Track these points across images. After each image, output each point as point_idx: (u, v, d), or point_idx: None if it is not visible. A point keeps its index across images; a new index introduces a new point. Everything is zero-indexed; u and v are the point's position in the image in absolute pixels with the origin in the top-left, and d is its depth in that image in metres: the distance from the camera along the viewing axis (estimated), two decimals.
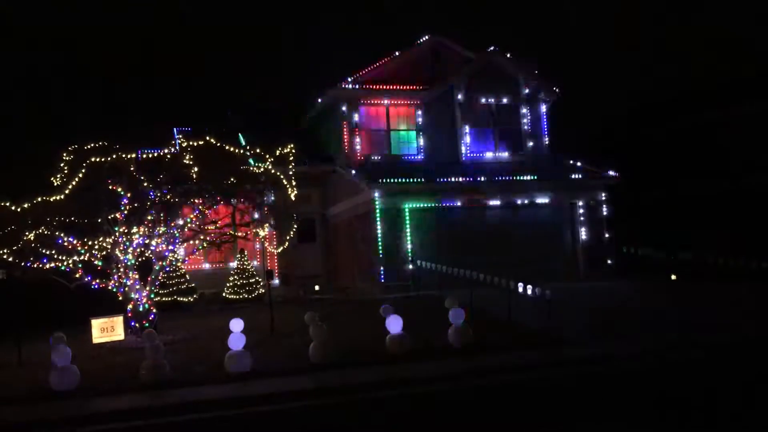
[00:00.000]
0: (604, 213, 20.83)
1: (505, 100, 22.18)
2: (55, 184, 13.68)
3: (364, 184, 18.63)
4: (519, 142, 22.21)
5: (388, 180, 18.60)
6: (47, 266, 13.29)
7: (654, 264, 19.38)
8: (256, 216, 15.47)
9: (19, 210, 12.66)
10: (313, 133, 23.90)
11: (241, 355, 9.82)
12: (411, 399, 8.61)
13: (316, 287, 20.54)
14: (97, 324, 13.14)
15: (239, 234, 15.43)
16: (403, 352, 10.43)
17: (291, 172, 15.58)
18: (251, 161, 15.02)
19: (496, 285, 13.73)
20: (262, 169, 14.72)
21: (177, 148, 13.66)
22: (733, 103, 24.71)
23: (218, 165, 13.95)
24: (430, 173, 19.56)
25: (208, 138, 14.02)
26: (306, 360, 10.16)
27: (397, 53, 22.32)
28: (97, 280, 13.69)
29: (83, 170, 13.21)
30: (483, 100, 21.97)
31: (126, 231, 13.72)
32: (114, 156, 13.33)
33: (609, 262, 20.59)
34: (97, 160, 13.26)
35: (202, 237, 15.00)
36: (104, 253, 13.88)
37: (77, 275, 13.57)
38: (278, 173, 15.10)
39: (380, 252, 18.59)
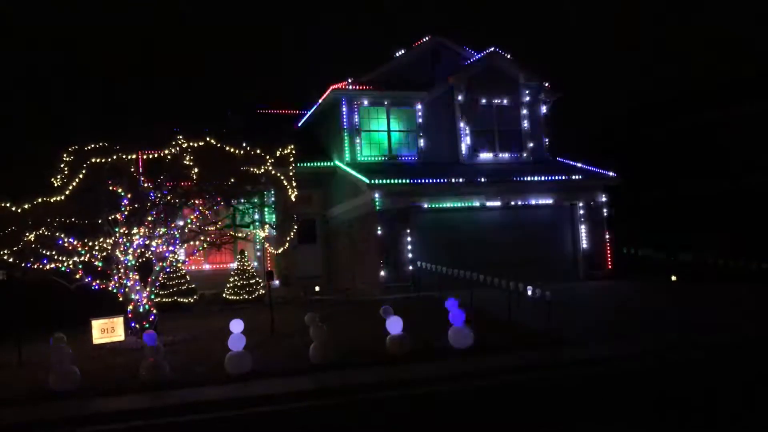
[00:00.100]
0: (604, 213, 20.84)
1: (505, 101, 22.19)
2: (56, 184, 13.69)
3: (365, 185, 18.63)
4: (519, 142, 22.22)
5: (388, 181, 18.60)
6: (47, 267, 13.29)
7: (654, 264, 19.38)
8: (257, 217, 15.48)
9: (19, 211, 12.66)
10: (314, 133, 23.90)
11: (242, 355, 9.82)
12: (411, 400, 8.62)
13: (317, 288, 20.54)
14: (97, 325, 13.14)
15: (239, 235, 15.43)
16: (403, 353, 10.43)
17: (291, 173, 15.58)
18: (251, 162, 15.02)
19: (496, 286, 13.73)
20: (262, 170, 14.72)
21: (177, 148, 13.66)
22: (733, 103, 24.72)
23: (218, 166, 13.95)
24: (431, 174, 19.56)
25: (208, 139, 14.03)
26: (306, 361, 10.17)
27: (397, 54, 22.32)
28: (98, 281, 13.70)
29: (83, 171, 13.21)
30: (483, 101, 21.97)
31: (126, 232, 13.72)
32: (114, 157, 13.33)
33: (609, 262, 20.59)
34: (98, 160, 13.27)
35: (202, 238, 15.00)
36: (104, 253, 13.88)
37: (77, 276, 13.57)
38: (278, 174, 15.11)
39: (380, 253, 18.59)
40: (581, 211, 20.63)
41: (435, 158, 21.52)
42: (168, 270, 16.76)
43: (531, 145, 22.21)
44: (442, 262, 16.79)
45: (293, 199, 15.53)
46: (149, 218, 13.89)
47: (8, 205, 12.65)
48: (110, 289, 13.83)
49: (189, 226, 14.54)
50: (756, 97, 23.85)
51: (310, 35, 68.68)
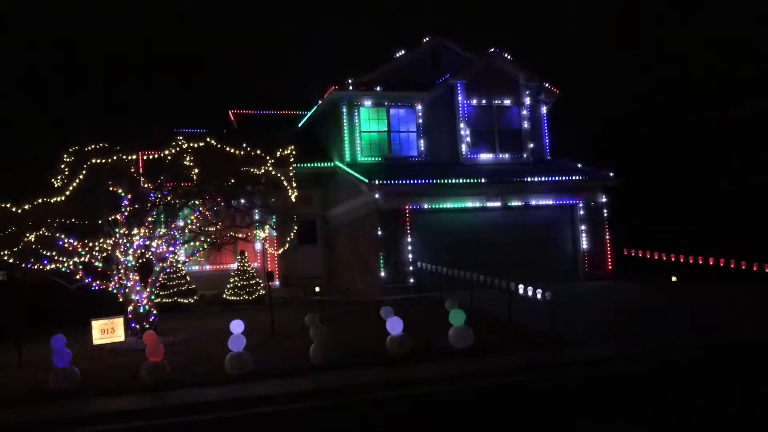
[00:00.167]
0: (604, 214, 20.84)
1: (505, 101, 22.20)
2: (56, 185, 13.70)
3: (365, 186, 18.63)
4: (519, 142, 22.22)
5: (388, 181, 18.60)
6: (48, 267, 13.30)
7: (654, 265, 19.35)
8: (257, 217, 15.48)
9: (19, 211, 12.68)
10: (314, 134, 23.91)
11: (242, 356, 9.82)
12: (411, 400, 8.62)
13: (317, 289, 20.54)
14: (97, 325, 13.14)
15: (240, 235, 15.44)
16: (403, 354, 10.43)
17: (291, 174, 15.59)
18: (251, 163, 15.03)
19: (496, 286, 13.73)
20: (262, 171, 14.72)
21: (177, 149, 13.66)
22: (733, 103, 24.71)
23: (218, 166, 13.97)
24: (431, 174, 19.56)
25: (208, 139, 14.04)
26: (306, 361, 10.16)
27: (397, 54, 22.33)
28: (98, 282, 13.71)
29: (84, 171, 13.22)
30: (483, 101, 21.98)
31: (126, 232, 13.73)
32: (115, 157, 13.34)
33: (609, 263, 20.59)
34: (98, 161, 13.28)
35: (202, 238, 15.01)
36: (105, 254, 13.89)
37: (78, 276, 13.58)
38: (279, 175, 15.11)
39: (381, 253, 18.59)
40: (581, 212, 20.64)
41: (435, 159, 21.53)
42: (168, 270, 16.76)
43: (531, 145, 22.21)
44: (442, 263, 16.79)
45: (293, 200, 15.54)
46: (149, 219, 13.90)
47: (8, 205, 12.66)
48: (110, 289, 13.84)
49: (189, 226, 14.54)
50: (756, 97, 23.85)
51: (310, 35, 68.71)
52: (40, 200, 12.88)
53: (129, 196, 13.70)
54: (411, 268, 18.49)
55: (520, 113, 22.27)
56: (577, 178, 20.81)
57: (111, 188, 13.62)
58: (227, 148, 14.19)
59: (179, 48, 56.94)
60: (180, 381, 9.48)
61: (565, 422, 7.58)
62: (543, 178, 20.17)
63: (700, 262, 17.84)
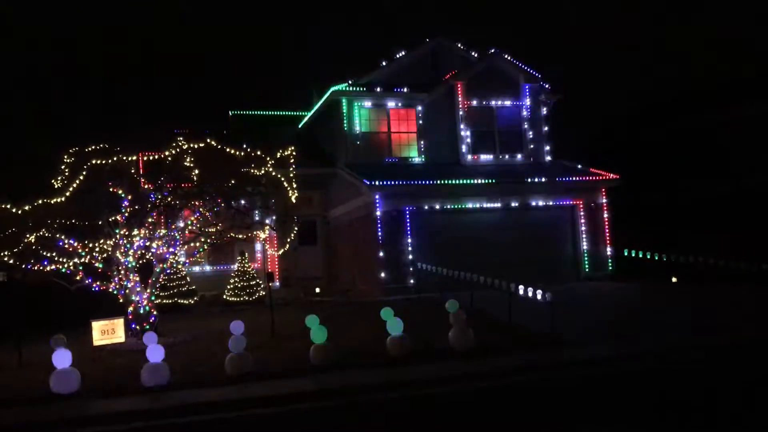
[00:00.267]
0: (605, 214, 20.85)
1: (505, 102, 22.20)
2: (56, 186, 13.70)
3: (365, 187, 18.63)
4: (520, 143, 22.22)
5: (388, 182, 18.60)
6: (48, 268, 13.31)
7: (654, 266, 19.35)
8: (257, 218, 15.48)
9: (19, 212, 12.68)
10: (314, 134, 23.92)
11: (242, 357, 9.82)
12: (411, 401, 8.62)
13: (317, 289, 20.54)
14: (97, 326, 13.14)
15: (240, 236, 15.45)
16: (403, 355, 10.43)
17: (292, 175, 15.60)
18: (251, 163, 15.03)
19: (496, 287, 13.73)
20: (262, 172, 14.73)
21: (177, 150, 13.67)
22: (733, 104, 24.70)
23: (219, 167, 13.97)
24: (431, 175, 19.57)
25: (208, 140, 14.04)
26: (307, 362, 10.17)
27: (397, 55, 22.33)
28: (98, 283, 13.71)
29: (84, 172, 13.22)
30: (484, 102, 21.98)
31: (127, 233, 13.73)
32: (115, 158, 13.35)
33: (609, 263, 20.60)
34: (98, 162, 13.28)
35: (202, 239, 15.01)
36: (105, 255, 13.90)
37: (78, 277, 13.58)
38: (279, 175, 15.12)
39: (381, 254, 18.59)
40: (581, 212, 20.64)
41: (435, 159, 21.53)
42: (168, 271, 16.77)
43: (531, 146, 22.22)
44: (443, 264, 16.79)
45: (293, 201, 15.54)
46: (150, 219, 13.90)
47: (9, 206, 12.66)
48: (110, 290, 13.84)
49: (189, 227, 14.54)
50: (756, 98, 23.83)
51: (310, 35, 68.72)
52: (40, 201, 12.88)
53: (129, 197, 13.71)
54: (411, 268, 18.49)
55: (521, 114, 22.27)
56: (577, 178, 20.81)
57: (111, 189, 13.63)
58: (227, 149, 14.20)
59: (179, 48, 56.97)
60: (180, 382, 9.48)
61: (566, 423, 7.57)
62: (543, 179, 20.17)
63: (701, 263, 17.83)
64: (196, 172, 13.60)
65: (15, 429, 8.01)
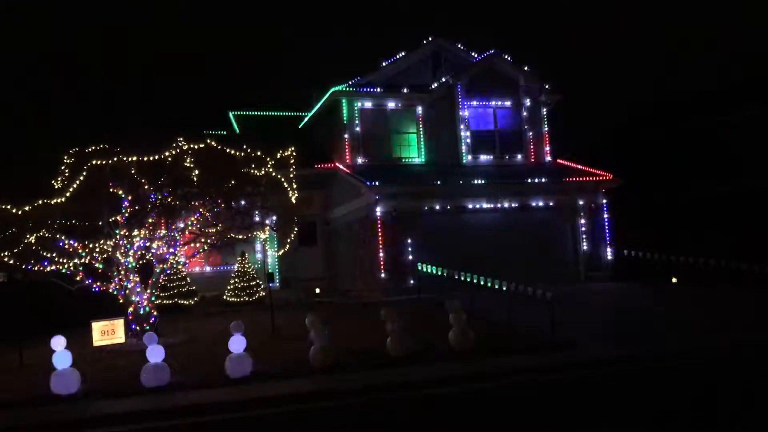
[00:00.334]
0: (605, 216, 20.85)
1: (506, 103, 22.21)
2: (56, 186, 13.69)
3: (365, 188, 18.63)
4: (520, 144, 22.23)
5: (389, 183, 18.59)
6: (48, 269, 13.30)
7: (654, 266, 19.34)
8: (257, 219, 15.47)
9: (20, 212, 12.67)
10: (314, 135, 23.92)
11: (242, 357, 9.82)
12: (412, 402, 8.62)
13: (317, 290, 20.52)
14: (97, 327, 13.14)
15: (240, 237, 15.44)
16: (403, 356, 10.42)
17: (292, 175, 15.58)
18: (251, 164, 15.03)
19: (497, 288, 13.73)
20: (263, 172, 14.72)
21: (178, 150, 13.66)
22: (734, 105, 24.71)
23: (219, 168, 13.96)
24: (431, 176, 19.57)
25: (208, 141, 14.04)
26: (307, 363, 10.16)
27: (398, 55, 22.34)
28: (98, 283, 13.70)
29: (84, 173, 13.21)
30: (484, 103, 22.00)
31: (127, 234, 13.73)
32: (115, 159, 13.34)
33: (610, 265, 20.59)
34: (98, 162, 13.27)
35: (203, 240, 15.00)
36: (105, 255, 13.89)
37: (78, 278, 13.58)
38: (279, 176, 15.11)
39: (381, 255, 18.58)
40: (582, 213, 20.63)
41: (436, 160, 21.53)
42: (168, 272, 16.76)
43: (531, 146, 22.22)
44: (443, 264, 16.77)
45: (294, 201, 15.53)
46: (150, 220, 13.89)
47: (9, 207, 12.65)
48: (111, 291, 13.83)
49: (189, 228, 14.53)
50: (756, 100, 23.83)
51: (310, 35, 68.76)
52: (40, 201, 12.87)
53: (129, 198, 13.70)
54: (411, 269, 18.48)
55: (521, 115, 22.28)
56: (578, 179, 20.82)
57: (111, 190, 13.61)
58: (227, 150, 14.19)
59: (179, 48, 57.00)
60: (180, 383, 9.47)
61: (566, 424, 7.58)
62: (543, 180, 20.17)
63: (701, 265, 17.82)
64: (197, 172, 13.59)
65: (15, 430, 8.00)
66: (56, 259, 13.35)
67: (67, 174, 13.66)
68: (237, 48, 60.34)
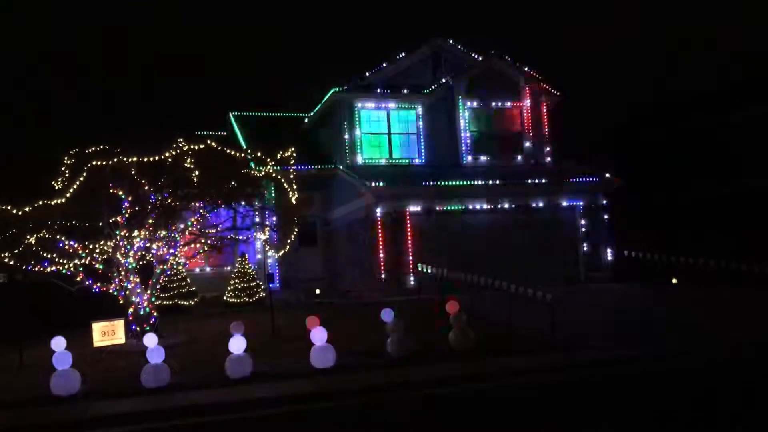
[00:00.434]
0: (605, 216, 20.84)
1: (506, 103, 22.21)
2: (56, 187, 13.69)
3: (365, 188, 18.63)
4: (520, 145, 22.23)
5: (388, 184, 18.59)
6: (48, 270, 13.30)
7: (655, 267, 19.34)
8: (257, 219, 15.48)
9: (20, 213, 12.67)
10: (314, 135, 23.91)
11: (242, 358, 9.82)
12: (412, 402, 8.62)
13: (317, 291, 20.52)
14: (97, 327, 13.14)
15: (240, 237, 15.45)
16: (404, 356, 10.43)
17: (292, 176, 15.59)
18: (252, 165, 15.03)
19: (497, 288, 13.74)
20: (263, 173, 14.72)
21: (178, 151, 13.67)
22: (734, 106, 24.71)
23: (219, 168, 13.96)
24: (431, 177, 19.56)
25: (208, 141, 14.04)
26: (307, 363, 10.16)
27: (398, 56, 22.35)
28: (98, 284, 13.70)
29: (84, 174, 13.21)
30: (484, 103, 21.99)
31: (127, 234, 13.73)
32: (115, 159, 13.34)
33: (610, 265, 20.58)
34: (98, 163, 13.27)
35: (203, 240, 15.00)
36: (105, 256, 13.89)
37: (78, 279, 13.58)
38: (279, 177, 15.11)
39: (381, 255, 18.58)
40: (582, 214, 20.63)
41: (435, 160, 21.53)
42: (168, 272, 16.76)
43: (532, 147, 22.21)
44: (443, 265, 16.77)
45: (294, 202, 15.53)
46: (150, 221, 13.89)
47: (9, 207, 12.65)
48: (111, 291, 13.83)
49: (190, 228, 14.54)
50: (756, 100, 23.83)
51: (310, 35, 68.78)
52: (40, 202, 12.88)
53: (129, 198, 13.70)
54: (411, 270, 18.48)
55: (521, 115, 22.28)
56: (578, 179, 20.81)
57: (111, 190, 13.62)
58: (228, 150, 14.19)
59: (179, 48, 57.02)
60: (180, 383, 9.48)
61: (566, 425, 7.57)
62: (543, 180, 20.17)
63: (701, 265, 17.82)
64: (197, 173, 13.59)
65: (15, 430, 7.99)
66: (56, 259, 13.35)
67: (67, 174, 13.66)
68: (237, 48, 60.36)
